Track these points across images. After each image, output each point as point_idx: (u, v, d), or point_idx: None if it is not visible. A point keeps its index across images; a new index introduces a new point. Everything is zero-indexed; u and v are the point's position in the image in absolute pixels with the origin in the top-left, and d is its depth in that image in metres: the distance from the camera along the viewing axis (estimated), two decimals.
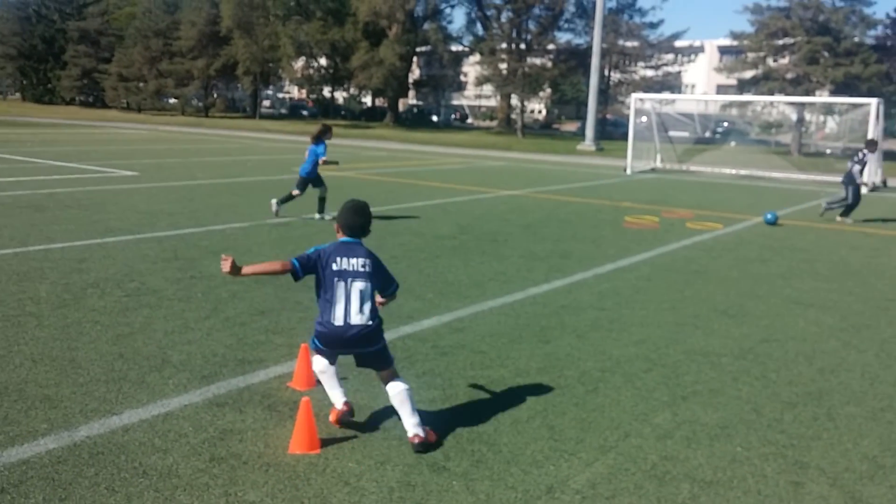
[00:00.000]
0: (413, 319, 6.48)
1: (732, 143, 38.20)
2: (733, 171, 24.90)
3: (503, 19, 49.27)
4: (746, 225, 13.09)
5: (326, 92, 67.29)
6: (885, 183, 22.00)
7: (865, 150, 14.38)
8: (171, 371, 5.05)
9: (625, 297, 7.65)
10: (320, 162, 11.62)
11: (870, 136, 21.06)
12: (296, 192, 11.75)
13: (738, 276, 8.86)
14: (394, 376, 4.21)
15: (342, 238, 4.21)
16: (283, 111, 75.54)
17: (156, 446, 3.98)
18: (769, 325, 6.81)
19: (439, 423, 4.38)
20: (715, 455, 4.18)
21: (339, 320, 4.06)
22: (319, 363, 4.27)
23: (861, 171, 13.99)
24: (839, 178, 23.27)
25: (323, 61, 60.39)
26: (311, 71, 60.65)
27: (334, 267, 4.08)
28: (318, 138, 11.69)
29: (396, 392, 4.13)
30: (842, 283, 8.74)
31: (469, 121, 74.99)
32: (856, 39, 35.96)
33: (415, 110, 70.40)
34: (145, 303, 6.65)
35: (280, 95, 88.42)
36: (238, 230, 10.59)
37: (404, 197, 15.25)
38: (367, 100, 73.79)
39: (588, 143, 35.93)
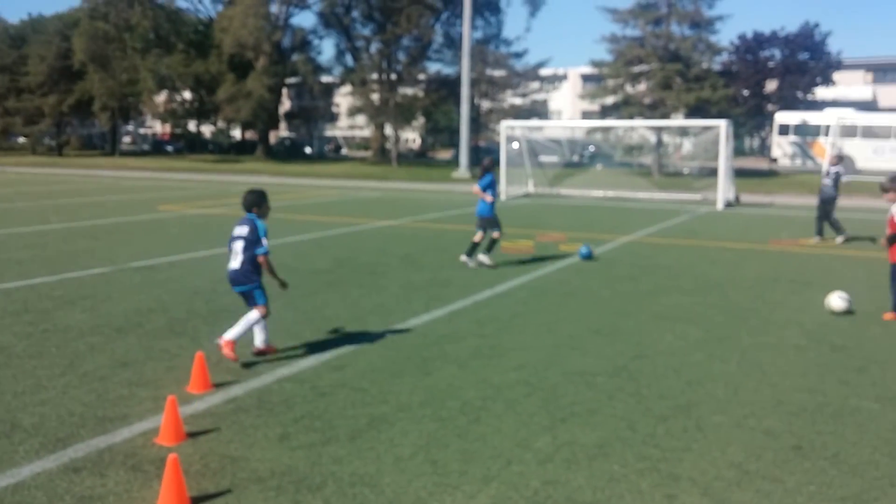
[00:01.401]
0: (290, 361, 6.27)
1: (599, 167, 39.90)
2: (601, 193, 26.00)
3: (372, 50, 49.44)
4: (615, 245, 13.63)
5: (192, 126, 65.21)
6: (738, 199, 23.54)
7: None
8: (21, 436, 4.63)
9: (503, 322, 7.74)
10: (474, 191, 11.03)
11: (721, 155, 22.53)
12: (495, 233, 11.01)
13: (610, 296, 9.16)
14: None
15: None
16: (146, 147, 72.52)
17: None
18: (640, 341, 7.06)
19: (319, 468, 4.23)
20: (594, 475, 4.24)
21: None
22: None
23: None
24: (697, 196, 25.05)
25: (187, 94, 58.54)
26: (175, 105, 58.64)
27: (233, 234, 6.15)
28: (485, 171, 10.99)
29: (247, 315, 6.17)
30: (704, 296, 9.21)
31: (343, 151, 74.57)
32: (704, 66, 38.49)
33: (287, 142, 69.18)
34: None
35: (142, 131, 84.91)
36: (97, 276, 9.96)
37: (278, 232, 14.85)
38: (237, 133, 72.03)
39: (463, 171, 36.54)
